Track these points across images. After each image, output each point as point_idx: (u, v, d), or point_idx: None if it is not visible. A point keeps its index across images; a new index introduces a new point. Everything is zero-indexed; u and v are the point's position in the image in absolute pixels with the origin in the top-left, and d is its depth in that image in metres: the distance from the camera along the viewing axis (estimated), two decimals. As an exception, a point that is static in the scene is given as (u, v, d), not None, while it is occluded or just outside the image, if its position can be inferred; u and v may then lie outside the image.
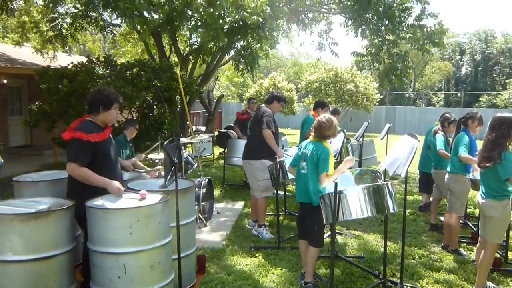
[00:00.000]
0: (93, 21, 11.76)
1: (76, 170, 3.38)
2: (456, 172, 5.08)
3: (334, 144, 5.34)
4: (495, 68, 41.71)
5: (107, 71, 9.72)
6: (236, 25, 7.73)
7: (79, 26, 11.69)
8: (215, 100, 17.12)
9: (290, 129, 23.69)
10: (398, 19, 9.14)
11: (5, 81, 12.35)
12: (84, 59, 10.48)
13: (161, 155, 6.06)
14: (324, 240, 4.35)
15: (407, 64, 10.10)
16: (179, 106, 11.23)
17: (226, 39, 8.22)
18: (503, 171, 3.90)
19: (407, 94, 38.51)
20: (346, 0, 9.96)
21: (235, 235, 5.82)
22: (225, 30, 8.42)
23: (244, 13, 7.05)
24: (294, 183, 7.89)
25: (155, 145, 6.18)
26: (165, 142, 3.57)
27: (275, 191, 5.73)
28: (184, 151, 6.70)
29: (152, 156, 6.38)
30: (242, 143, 8.01)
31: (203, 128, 15.78)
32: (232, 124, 13.48)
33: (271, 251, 5.18)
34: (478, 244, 4.39)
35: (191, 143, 7.51)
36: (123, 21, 8.70)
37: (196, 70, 13.32)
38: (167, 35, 12.45)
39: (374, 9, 9.07)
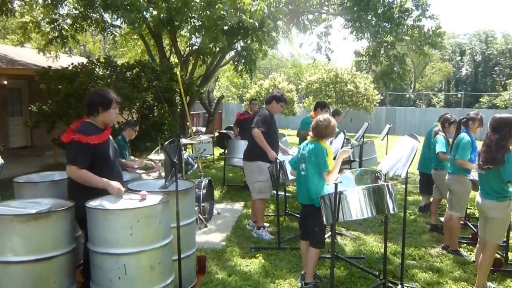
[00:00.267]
0: (93, 22, 11.77)
1: (75, 172, 3.39)
2: (457, 173, 5.08)
3: (334, 145, 5.32)
4: (496, 68, 41.73)
5: (107, 72, 9.72)
6: (236, 26, 7.72)
7: (79, 27, 11.70)
8: (215, 101, 17.14)
9: (290, 129, 23.69)
10: (397, 20, 9.15)
11: (5, 82, 12.36)
12: (84, 60, 10.49)
13: (161, 156, 6.07)
14: (325, 240, 4.35)
15: (405, 67, 10.11)
16: (179, 107, 11.24)
17: (226, 41, 8.23)
18: (506, 172, 3.90)
19: (407, 95, 38.52)
20: (346, 1, 9.97)
21: (235, 235, 5.82)
22: (225, 31, 8.42)
23: (243, 15, 7.04)
24: (295, 184, 7.92)
25: (156, 149, 6.18)
26: (165, 143, 3.57)
27: (275, 192, 5.73)
28: (184, 152, 6.71)
29: (152, 156, 6.39)
30: (242, 144, 8.01)
31: (203, 129, 15.79)
32: (232, 125, 13.51)
33: (272, 251, 5.18)
34: (478, 245, 4.40)
35: (191, 144, 7.51)
36: (123, 22, 8.70)
37: (196, 71, 13.33)
38: (167, 36, 12.47)
39: (373, 10, 9.09)
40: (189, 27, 8.27)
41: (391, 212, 3.88)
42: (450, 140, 5.48)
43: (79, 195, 3.41)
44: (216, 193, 7.97)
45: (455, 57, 44.84)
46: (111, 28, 12.93)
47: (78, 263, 3.78)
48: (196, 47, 12.23)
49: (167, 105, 9.88)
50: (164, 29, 8.86)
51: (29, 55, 14.17)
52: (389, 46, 9.81)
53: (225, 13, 6.64)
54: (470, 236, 5.78)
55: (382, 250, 4.56)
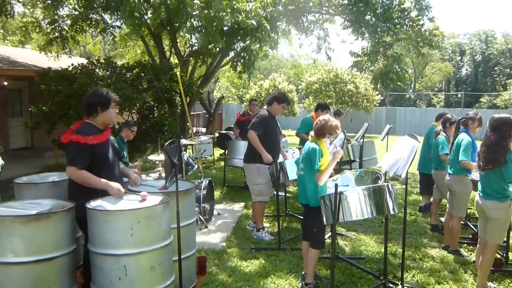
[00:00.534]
0: (93, 23, 11.77)
1: (75, 173, 3.39)
2: (458, 174, 5.08)
3: (334, 145, 5.31)
4: (496, 68, 41.74)
5: (107, 72, 9.73)
6: (236, 26, 7.72)
7: (79, 28, 11.71)
8: (215, 102, 17.14)
9: (290, 130, 23.69)
10: (395, 20, 9.16)
11: (5, 83, 12.36)
12: (84, 61, 10.50)
13: (161, 157, 6.08)
14: (325, 241, 4.35)
15: (402, 67, 10.12)
16: (179, 108, 11.24)
17: (224, 41, 8.22)
18: (508, 173, 3.90)
19: (408, 95, 38.52)
20: (345, 1, 9.98)
21: (235, 236, 5.82)
22: (225, 31, 8.42)
23: (239, 16, 7.02)
24: (295, 184, 7.92)
25: (148, 151, 6.15)
26: (166, 144, 3.57)
27: (275, 192, 5.73)
28: (184, 152, 6.71)
29: (153, 157, 6.39)
30: (242, 145, 8.02)
31: (204, 130, 15.79)
32: (232, 126, 13.49)
33: (272, 252, 5.18)
34: (478, 245, 4.39)
35: (192, 145, 7.51)
36: (124, 23, 8.71)
37: (196, 71, 13.33)
38: (167, 37, 12.47)
39: (372, 10, 9.09)
40: (187, 27, 8.23)
41: (391, 212, 3.88)
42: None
43: (79, 196, 3.41)
44: (216, 194, 7.97)
45: (455, 57, 44.85)
46: (111, 28, 12.94)
47: (78, 264, 3.77)
48: (196, 47, 12.24)
49: (167, 106, 9.88)
50: (164, 30, 8.86)
51: (29, 56, 14.17)
52: (387, 46, 9.82)
53: (221, 13, 6.62)
54: (471, 236, 5.78)
55: (383, 250, 4.56)
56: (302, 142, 7.63)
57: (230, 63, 13.60)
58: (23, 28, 13.54)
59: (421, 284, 4.43)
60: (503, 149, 3.91)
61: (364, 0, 9.02)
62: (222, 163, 10.22)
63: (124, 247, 3.14)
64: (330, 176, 4.77)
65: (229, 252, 5.20)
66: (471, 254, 5.21)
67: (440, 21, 9.85)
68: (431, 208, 6.31)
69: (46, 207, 3.30)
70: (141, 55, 16.45)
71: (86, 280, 3.57)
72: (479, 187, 4.24)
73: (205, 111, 17.70)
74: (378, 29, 9.15)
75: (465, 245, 5.53)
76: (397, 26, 9.21)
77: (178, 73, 8.73)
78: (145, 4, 7.08)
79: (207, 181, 6.46)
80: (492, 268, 4.34)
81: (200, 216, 6.06)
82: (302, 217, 6.27)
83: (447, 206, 5.43)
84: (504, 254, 4.94)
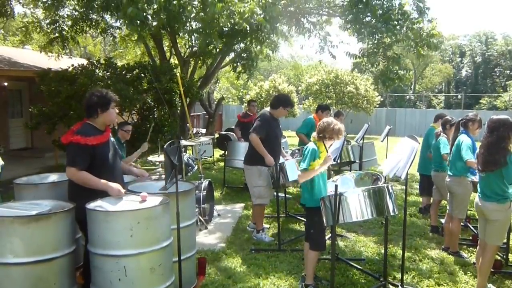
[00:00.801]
0: (93, 23, 11.78)
1: (75, 174, 3.39)
2: (458, 175, 5.07)
3: (334, 146, 5.31)
4: (496, 70, 41.76)
5: (108, 73, 9.74)
6: (236, 28, 7.73)
7: (79, 28, 11.71)
8: (215, 103, 17.15)
9: (290, 131, 23.69)
10: (395, 22, 9.17)
11: (5, 84, 12.36)
12: (85, 62, 10.50)
13: (161, 158, 6.07)
14: (325, 242, 4.35)
15: (404, 68, 10.13)
16: (179, 109, 11.25)
17: (223, 43, 8.22)
18: (508, 174, 3.90)
19: (408, 96, 38.53)
20: (344, 3, 9.99)
21: (235, 237, 5.82)
22: (224, 33, 8.42)
23: (235, 18, 7.01)
24: (295, 185, 7.92)
25: (139, 151, 6.09)
26: (166, 145, 3.57)
27: (275, 193, 5.73)
28: (184, 153, 6.71)
29: (153, 158, 6.39)
30: (242, 146, 8.02)
31: (204, 130, 15.80)
32: (233, 127, 13.48)
33: (272, 253, 5.18)
34: (478, 246, 4.39)
35: (192, 145, 7.51)
36: (123, 24, 8.73)
37: (197, 72, 13.33)
38: (167, 38, 12.48)
39: (371, 12, 9.10)
40: (186, 29, 8.24)
41: (391, 213, 3.89)
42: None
43: (79, 196, 3.41)
44: (216, 195, 7.96)
45: (455, 58, 44.88)
46: (111, 29, 12.95)
47: (78, 265, 3.77)
48: (196, 48, 12.24)
49: (167, 107, 9.89)
50: (165, 32, 8.86)
51: (30, 56, 14.18)
52: (386, 47, 9.83)
53: (216, 15, 6.62)
54: (471, 238, 5.78)
55: (383, 251, 4.56)
56: (302, 143, 7.64)
57: (230, 64, 13.60)
58: (24, 28, 13.55)
59: (421, 285, 4.43)
60: (503, 150, 3.91)
61: (364, 1, 9.04)
62: (222, 164, 10.22)
63: (124, 248, 3.13)
64: (330, 177, 4.79)
65: (229, 253, 5.20)
66: (471, 256, 5.21)
67: (440, 22, 9.86)
68: (431, 209, 6.31)
69: (46, 208, 3.31)
70: (141, 56, 16.46)
71: (86, 281, 3.56)
72: (479, 189, 4.24)
73: (205, 112, 17.71)
74: (377, 30, 9.17)
75: (465, 246, 5.53)
76: (396, 27, 9.23)
77: (178, 74, 8.74)
78: (146, 6, 7.08)
79: (207, 182, 6.46)
80: (492, 270, 4.34)
81: (200, 217, 6.05)
82: (302, 218, 6.30)
83: (447, 207, 5.43)
84: (504, 256, 4.94)
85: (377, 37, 9.42)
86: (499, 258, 4.88)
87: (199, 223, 5.95)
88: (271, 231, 6.02)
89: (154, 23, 7.28)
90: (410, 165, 3.88)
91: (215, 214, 6.75)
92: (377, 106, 23.44)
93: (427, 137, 6.64)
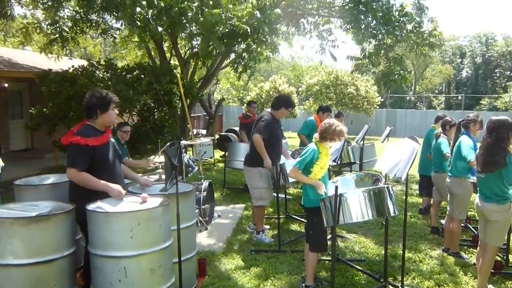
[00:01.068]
0: (93, 24, 11.79)
1: (76, 175, 3.39)
2: (458, 176, 5.07)
3: (334, 146, 5.30)
4: (496, 71, 41.78)
5: (108, 74, 9.75)
6: (235, 29, 7.73)
7: (79, 29, 11.73)
8: (215, 103, 17.16)
9: (291, 132, 23.71)
10: (396, 23, 9.18)
11: (6, 85, 12.37)
12: (85, 63, 10.51)
13: (161, 159, 6.08)
14: (325, 244, 4.34)
15: (405, 68, 10.14)
16: (179, 109, 11.25)
17: (224, 43, 8.21)
18: (508, 175, 3.89)
19: (408, 97, 38.54)
20: (346, 4, 9.99)
21: (236, 238, 5.82)
22: (224, 34, 8.42)
23: (235, 21, 6.99)
24: (295, 186, 7.91)
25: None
26: (166, 146, 3.57)
27: (275, 194, 5.72)
28: (184, 154, 6.70)
29: (153, 159, 6.38)
30: (242, 147, 8.02)
31: (204, 131, 15.82)
32: (234, 128, 13.49)
33: (272, 254, 5.18)
34: (478, 247, 4.39)
35: (192, 146, 7.51)
36: (125, 26, 8.73)
37: (197, 73, 13.34)
38: (168, 39, 12.49)
39: (372, 13, 9.11)
40: (186, 34, 8.24)
41: (392, 214, 3.88)
42: (451, 142, 5.50)
43: (80, 197, 3.41)
44: (217, 196, 7.96)
45: (455, 59, 44.90)
46: (112, 30, 12.96)
47: (78, 266, 3.77)
48: (196, 49, 12.25)
49: (167, 108, 9.89)
50: (165, 35, 8.87)
51: (30, 57, 14.19)
52: (388, 48, 9.83)
53: (216, 21, 6.61)
54: (471, 239, 5.77)
55: (383, 252, 4.56)
56: (303, 144, 7.64)
57: (230, 65, 13.62)
58: (24, 29, 13.56)
59: (421, 286, 4.42)
60: (502, 151, 3.91)
61: (364, 2, 9.04)
62: (222, 165, 10.22)
63: (124, 249, 3.13)
64: (330, 178, 4.79)
65: (229, 254, 5.19)
66: (471, 257, 5.20)
67: (440, 23, 9.86)
68: (431, 210, 6.30)
69: (46, 209, 3.30)
70: (141, 57, 16.47)
71: (86, 282, 3.56)
72: (479, 190, 4.23)
73: (205, 113, 17.73)
74: (378, 32, 9.17)
75: (466, 247, 5.52)
76: (397, 28, 9.23)
77: (178, 75, 8.75)
78: (148, 8, 7.09)
79: (207, 183, 6.46)
80: (492, 271, 4.34)
81: (200, 218, 6.05)
82: (302, 219, 6.30)
83: (447, 208, 5.42)
84: (504, 257, 4.94)
85: (378, 38, 9.42)
86: (499, 259, 4.87)
87: (199, 224, 5.95)
88: (271, 232, 6.01)
89: (159, 28, 7.27)
90: (411, 166, 3.88)
91: (215, 215, 6.75)
92: (378, 107, 23.44)
93: (428, 138, 6.64)
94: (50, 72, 9.84)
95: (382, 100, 25.81)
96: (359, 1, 9.14)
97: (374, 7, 9.01)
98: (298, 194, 7.88)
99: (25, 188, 4.16)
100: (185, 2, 6.88)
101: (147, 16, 6.93)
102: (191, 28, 8.07)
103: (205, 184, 6.36)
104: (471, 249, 5.46)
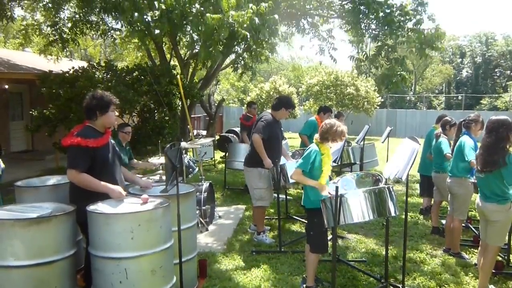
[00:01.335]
0: (93, 25, 11.80)
1: (76, 176, 3.39)
2: (459, 176, 5.07)
3: (334, 147, 5.30)
4: (496, 70, 41.79)
5: (108, 76, 9.75)
6: (236, 32, 7.73)
7: (79, 30, 11.73)
8: (216, 104, 17.17)
9: (291, 132, 23.70)
10: (397, 24, 9.18)
11: (6, 86, 12.38)
12: (85, 64, 10.51)
13: (162, 160, 6.07)
14: (326, 245, 4.34)
15: (406, 68, 10.14)
16: (179, 110, 11.24)
17: (225, 44, 8.21)
18: (508, 175, 3.89)
19: (408, 97, 38.53)
20: (346, 4, 10.00)
21: (236, 239, 5.82)
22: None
23: (236, 27, 6.99)
24: (295, 187, 7.90)
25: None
26: (166, 147, 3.57)
27: (276, 195, 5.72)
28: (185, 155, 6.70)
29: (153, 160, 6.38)
30: (243, 147, 8.02)
31: (204, 132, 15.82)
32: (234, 128, 13.48)
33: (273, 255, 5.17)
34: (479, 247, 4.39)
35: (192, 147, 7.51)
36: (123, 26, 8.74)
37: (197, 74, 13.33)
38: (168, 40, 12.49)
39: (373, 14, 9.10)
40: (187, 40, 8.27)
41: (392, 214, 3.88)
42: (451, 142, 5.49)
43: (80, 199, 3.41)
44: (217, 197, 7.96)
45: (455, 59, 44.90)
46: (112, 31, 12.97)
47: (79, 267, 3.77)
48: (196, 50, 12.25)
49: (167, 109, 9.89)
50: (166, 37, 8.86)
51: (30, 59, 14.20)
52: (389, 49, 9.83)
53: (216, 27, 6.61)
54: (472, 239, 5.77)
55: (384, 253, 4.56)
56: (303, 144, 7.64)
57: (230, 65, 13.60)
58: (24, 31, 13.57)
59: (422, 286, 4.42)
60: (502, 151, 3.91)
61: (365, 2, 9.04)
62: (223, 166, 10.21)
63: (124, 250, 3.13)
64: (331, 179, 4.78)
65: (230, 255, 5.19)
66: (472, 257, 5.20)
67: (440, 23, 9.90)
68: (432, 211, 6.30)
69: (47, 211, 3.30)
70: (141, 58, 16.48)
71: (87, 283, 3.56)
72: (479, 190, 4.23)
73: (205, 114, 17.73)
74: (380, 33, 9.17)
75: (467, 247, 5.52)
76: (399, 29, 9.23)
77: (178, 76, 8.75)
78: (148, 10, 7.09)
79: (208, 184, 6.46)
80: (493, 271, 4.33)
81: (201, 219, 6.05)
82: (303, 220, 6.30)
83: (448, 208, 5.42)
84: (506, 257, 4.93)
85: (379, 39, 9.42)
86: (500, 259, 4.87)
87: (200, 225, 5.95)
88: (272, 233, 6.01)
89: (157, 31, 7.27)
90: (411, 166, 3.88)
91: (216, 216, 6.75)
92: (378, 107, 23.44)
93: (429, 138, 6.64)
94: (51, 74, 9.85)
95: (382, 100, 25.81)
96: (359, 1, 9.15)
97: (375, 7, 9.01)
98: (299, 195, 7.88)
99: (26, 190, 4.16)
100: (187, 5, 6.89)
101: (148, 20, 6.95)
102: (193, 35, 8.09)
103: (205, 185, 6.36)
104: (472, 249, 5.45)
